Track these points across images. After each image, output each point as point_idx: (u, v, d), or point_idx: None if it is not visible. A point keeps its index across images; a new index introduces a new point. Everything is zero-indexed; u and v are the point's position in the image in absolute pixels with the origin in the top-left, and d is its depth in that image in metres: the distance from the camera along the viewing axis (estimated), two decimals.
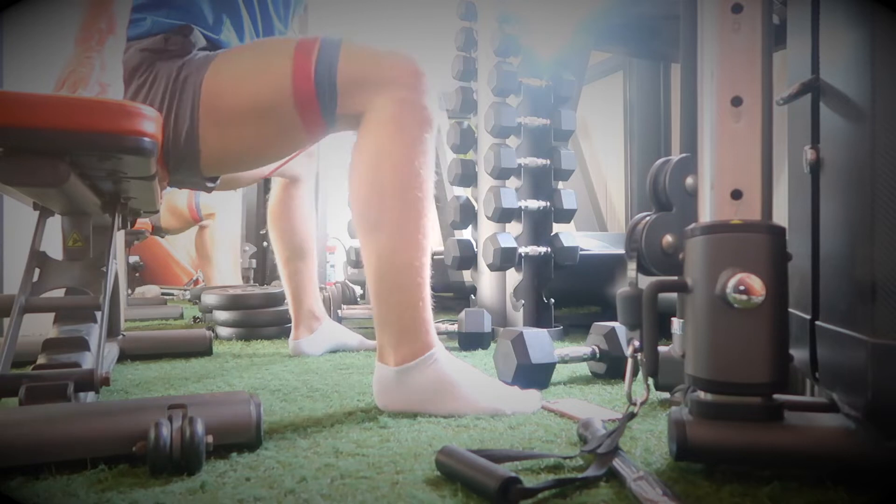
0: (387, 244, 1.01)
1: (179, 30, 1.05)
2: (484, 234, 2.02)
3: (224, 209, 3.00)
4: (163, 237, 3.68)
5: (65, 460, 0.74)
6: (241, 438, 0.81)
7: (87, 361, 1.05)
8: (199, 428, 0.73)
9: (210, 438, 0.75)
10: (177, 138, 1.07)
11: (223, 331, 2.02)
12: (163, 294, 3.73)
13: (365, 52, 1.03)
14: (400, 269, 1.01)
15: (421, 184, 1.00)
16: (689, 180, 0.86)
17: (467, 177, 2.09)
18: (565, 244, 1.98)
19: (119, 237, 1.43)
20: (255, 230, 3.35)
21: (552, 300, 2.01)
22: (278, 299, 2.07)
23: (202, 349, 1.64)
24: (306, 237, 1.70)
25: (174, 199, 2.95)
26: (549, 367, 1.23)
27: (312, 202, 1.73)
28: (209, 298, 2.07)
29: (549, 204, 1.98)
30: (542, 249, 1.97)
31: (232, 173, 1.38)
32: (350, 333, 1.78)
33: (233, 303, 2.03)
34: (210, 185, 1.23)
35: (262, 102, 1.05)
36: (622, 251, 1.01)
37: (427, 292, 1.03)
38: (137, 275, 4.01)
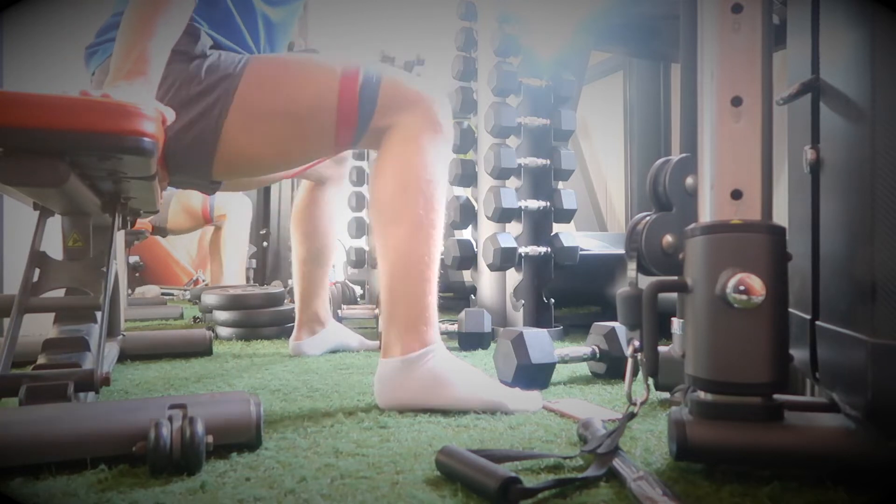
0: (404, 237, 1.07)
1: (187, 30, 1.06)
2: (484, 234, 2.02)
3: (235, 211, 3.00)
4: (163, 237, 3.68)
5: (65, 460, 0.74)
6: (241, 438, 0.81)
7: (87, 361, 1.05)
8: (199, 428, 0.73)
9: (210, 438, 0.75)
10: (192, 138, 1.08)
11: (223, 331, 2.02)
12: (163, 294, 3.72)
13: (399, 78, 1.15)
14: (414, 262, 1.07)
15: (439, 185, 1.11)
16: (689, 180, 0.86)
17: (467, 177, 2.09)
18: (565, 244, 1.98)
19: (119, 237, 1.43)
20: (256, 230, 3.35)
21: (552, 300, 2.01)
22: (278, 299, 2.07)
23: (202, 349, 1.64)
24: (327, 242, 1.71)
25: (188, 200, 2.95)
26: (549, 367, 1.23)
27: (338, 206, 1.74)
28: (209, 298, 2.07)
29: (549, 204, 1.98)
30: (542, 249, 1.97)
31: (243, 177, 1.40)
32: (351, 334, 1.78)
33: (233, 303, 2.03)
34: (212, 187, 1.23)
35: (303, 107, 1.11)
36: (622, 251, 1.02)
37: (435, 289, 1.09)
38: (137, 275, 4.00)
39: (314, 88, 1.11)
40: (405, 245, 1.07)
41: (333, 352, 1.72)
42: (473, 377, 1.06)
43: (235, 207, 2.98)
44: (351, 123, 1.11)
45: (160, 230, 3.09)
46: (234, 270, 2.95)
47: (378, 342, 1.75)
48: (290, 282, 2.42)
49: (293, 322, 1.72)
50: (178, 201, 2.95)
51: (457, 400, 1.01)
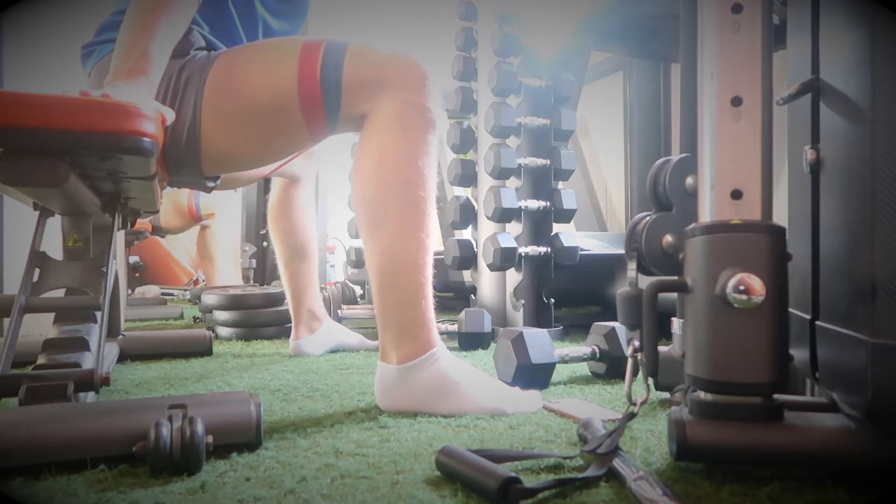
0: (390, 242, 1.01)
1: None
2: (484, 234, 2.02)
3: (224, 209, 3.00)
4: (163, 237, 3.68)
5: (65, 460, 0.74)
6: (241, 438, 0.81)
7: (87, 361, 1.05)
8: (199, 428, 0.73)
9: (210, 438, 0.75)
10: (178, 138, 1.07)
11: (223, 331, 2.02)
12: (163, 294, 3.72)
13: (370, 54, 1.04)
14: (402, 267, 1.02)
15: (424, 183, 1.02)
16: (689, 180, 0.86)
17: (467, 177, 2.09)
18: (565, 244, 1.98)
19: (119, 237, 1.43)
20: (255, 230, 3.35)
21: (552, 300, 2.01)
22: (278, 299, 2.07)
23: (202, 349, 1.64)
24: (307, 237, 1.70)
25: (177, 199, 2.95)
26: (549, 367, 1.22)
27: (313, 202, 1.74)
28: (209, 298, 2.07)
29: (549, 204, 1.98)
30: (542, 249, 1.97)
31: (233, 173, 1.38)
32: (350, 333, 1.78)
33: (233, 303, 2.03)
34: (210, 184, 1.23)
35: (266, 101, 1.05)
36: (622, 251, 1.01)
37: (429, 291, 1.04)
38: (137, 275, 4.00)
39: (273, 77, 1.04)
40: (392, 248, 1.01)
41: (333, 351, 1.72)
42: (473, 382, 1.03)
43: (224, 205, 2.98)
44: (316, 110, 1.03)
45: (159, 230, 3.10)
46: (227, 269, 2.94)
47: (377, 342, 1.75)
48: None
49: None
50: (169, 200, 2.95)
51: (455, 410, 0.99)
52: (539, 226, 1.99)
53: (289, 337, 1.71)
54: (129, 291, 3.50)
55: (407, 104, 1.01)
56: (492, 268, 1.92)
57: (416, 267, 1.02)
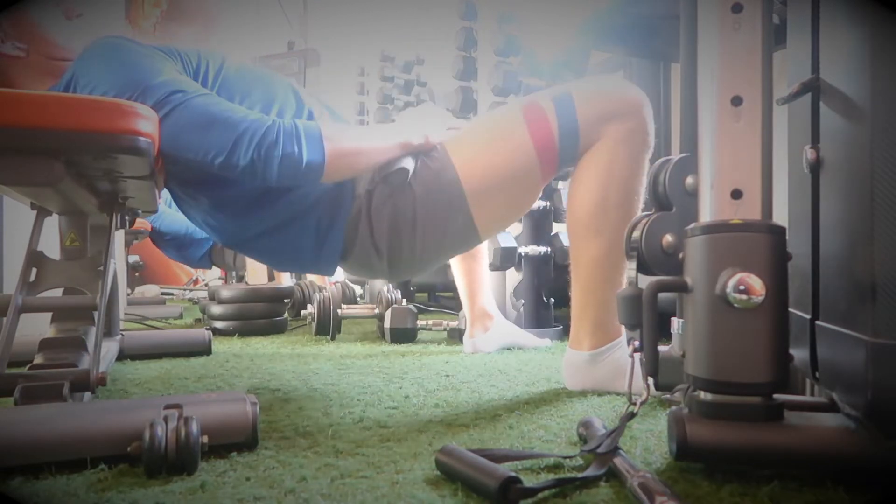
0: (604, 248, 1.14)
1: None
2: None
3: None
4: None
5: (59, 460, 0.74)
6: (237, 438, 0.80)
7: (84, 361, 1.04)
8: (195, 428, 0.73)
9: (205, 438, 0.75)
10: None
11: (223, 324, 2.05)
12: (162, 294, 3.72)
13: (595, 93, 1.14)
14: (608, 269, 1.15)
15: (638, 198, 1.15)
16: (689, 180, 0.86)
17: None
18: (565, 244, 1.98)
19: (119, 236, 1.43)
20: None
21: (552, 300, 2.01)
22: (284, 294, 2.09)
23: (201, 349, 1.64)
24: None
25: None
26: None
27: None
28: (220, 293, 2.11)
29: (549, 204, 1.98)
30: (542, 249, 1.96)
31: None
32: (523, 333, 1.78)
33: (241, 297, 2.05)
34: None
35: (512, 172, 1.13)
36: None
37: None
38: (137, 274, 4.00)
39: (510, 146, 1.12)
40: (603, 257, 1.14)
41: (508, 349, 1.71)
42: None
43: None
44: (553, 166, 1.14)
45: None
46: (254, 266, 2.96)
47: (546, 340, 1.80)
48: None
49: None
50: None
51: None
52: (539, 225, 1.99)
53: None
54: (129, 291, 3.50)
55: (632, 130, 1.12)
56: (492, 267, 1.92)
57: (618, 270, 1.15)
